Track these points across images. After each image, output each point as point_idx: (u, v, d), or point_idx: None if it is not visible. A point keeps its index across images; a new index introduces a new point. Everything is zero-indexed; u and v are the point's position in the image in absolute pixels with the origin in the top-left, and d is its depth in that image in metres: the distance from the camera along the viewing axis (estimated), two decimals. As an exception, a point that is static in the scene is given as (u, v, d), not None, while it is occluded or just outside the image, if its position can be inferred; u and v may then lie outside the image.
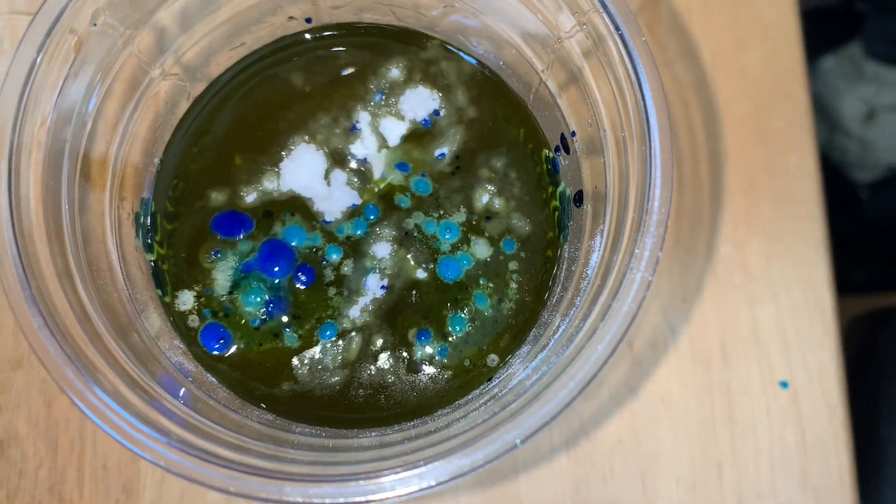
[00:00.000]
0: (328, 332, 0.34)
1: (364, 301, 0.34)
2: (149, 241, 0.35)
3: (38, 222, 0.28)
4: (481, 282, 0.35)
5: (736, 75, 0.42)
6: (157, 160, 0.36)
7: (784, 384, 0.38)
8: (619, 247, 0.28)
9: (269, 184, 0.36)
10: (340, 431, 0.33)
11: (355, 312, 0.34)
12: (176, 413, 0.27)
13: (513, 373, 0.32)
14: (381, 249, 0.35)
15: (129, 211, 0.34)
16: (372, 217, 0.35)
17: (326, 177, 0.36)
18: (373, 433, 0.32)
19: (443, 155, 0.36)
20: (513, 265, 0.35)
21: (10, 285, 0.26)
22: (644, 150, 0.28)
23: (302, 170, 0.36)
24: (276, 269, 0.35)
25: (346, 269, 0.35)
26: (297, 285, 0.34)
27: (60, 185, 0.30)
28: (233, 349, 0.34)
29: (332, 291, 0.35)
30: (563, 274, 0.35)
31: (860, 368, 0.66)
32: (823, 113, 0.84)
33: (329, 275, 0.35)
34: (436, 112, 0.37)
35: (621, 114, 0.29)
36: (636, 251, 0.26)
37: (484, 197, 0.36)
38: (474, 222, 0.35)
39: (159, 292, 0.35)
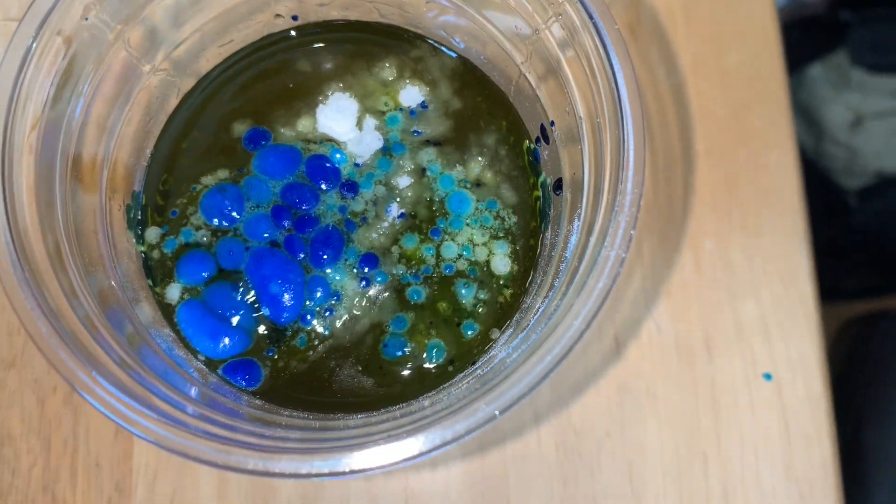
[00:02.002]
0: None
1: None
2: (139, 232, 0.36)
3: (31, 217, 0.29)
4: (468, 273, 0.35)
5: (716, 77, 0.43)
6: (148, 153, 0.37)
7: (767, 376, 0.39)
8: (594, 228, 0.29)
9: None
10: (327, 416, 0.33)
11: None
12: (168, 395, 0.28)
13: (495, 355, 0.32)
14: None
15: (121, 203, 0.35)
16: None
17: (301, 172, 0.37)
18: (359, 417, 0.32)
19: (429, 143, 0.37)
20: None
21: (5, 274, 0.27)
22: (617, 134, 0.28)
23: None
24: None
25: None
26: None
27: (53, 178, 0.30)
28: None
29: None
30: (544, 260, 0.35)
31: (849, 372, 0.67)
32: (810, 121, 0.85)
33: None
34: (423, 105, 0.38)
35: (596, 101, 0.30)
36: (610, 230, 0.27)
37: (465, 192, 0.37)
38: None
39: (150, 283, 0.35)
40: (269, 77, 0.38)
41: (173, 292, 0.35)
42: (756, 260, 0.41)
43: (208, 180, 0.37)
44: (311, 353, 0.34)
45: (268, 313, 0.35)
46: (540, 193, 0.37)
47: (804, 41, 0.84)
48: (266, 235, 0.36)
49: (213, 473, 0.38)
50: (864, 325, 0.71)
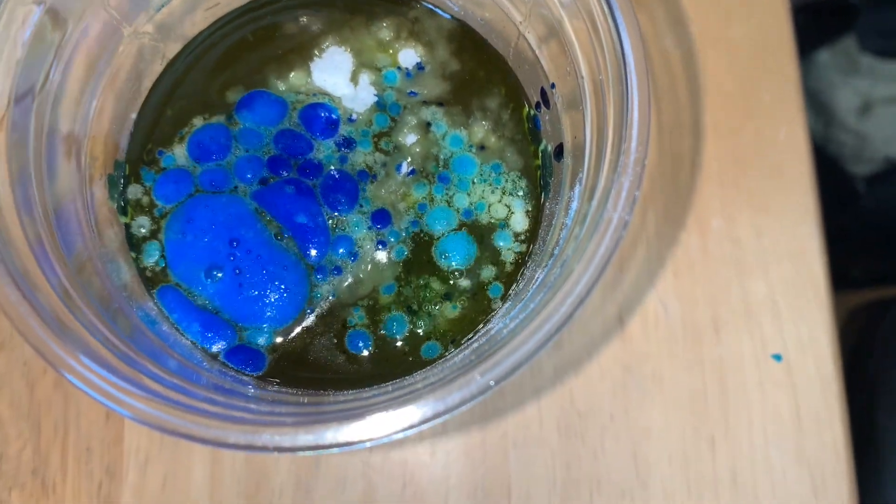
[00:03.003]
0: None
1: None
2: (122, 203, 0.34)
3: (3, 190, 0.27)
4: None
5: (724, 49, 0.42)
6: (131, 120, 0.35)
7: (777, 357, 0.38)
8: (595, 191, 0.27)
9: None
10: (316, 392, 0.32)
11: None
12: (152, 371, 0.27)
13: (492, 327, 0.31)
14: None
15: (102, 173, 0.34)
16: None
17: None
18: (349, 392, 0.31)
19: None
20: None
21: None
22: (621, 91, 0.27)
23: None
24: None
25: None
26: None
27: (26, 148, 0.29)
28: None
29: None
30: (543, 230, 0.34)
31: (859, 359, 0.65)
32: (819, 107, 0.83)
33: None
34: (419, 67, 0.36)
35: (599, 59, 0.29)
36: (613, 191, 0.26)
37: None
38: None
39: (133, 255, 0.34)
40: (259, 39, 0.37)
41: (152, 256, 0.34)
42: (765, 238, 0.40)
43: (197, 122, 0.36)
44: (315, 316, 0.33)
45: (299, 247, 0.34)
46: (540, 162, 0.35)
47: (812, 26, 0.82)
48: (251, 177, 0.35)
49: (206, 457, 0.37)
50: (873, 312, 0.69)
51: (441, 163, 0.35)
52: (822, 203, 0.41)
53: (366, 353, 0.33)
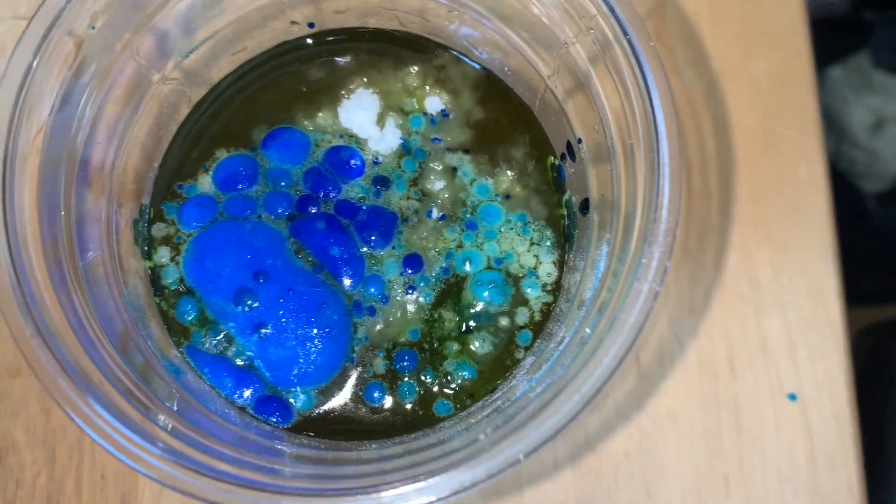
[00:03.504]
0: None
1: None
2: (146, 247, 0.35)
3: (33, 230, 0.28)
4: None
5: (744, 83, 0.42)
6: (156, 166, 0.35)
7: (792, 396, 0.38)
8: (625, 256, 0.27)
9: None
10: (339, 443, 0.32)
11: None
12: (171, 424, 0.27)
13: (516, 385, 0.31)
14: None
15: (128, 217, 0.34)
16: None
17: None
18: (373, 446, 0.31)
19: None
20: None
21: (2, 294, 0.25)
22: (652, 158, 0.27)
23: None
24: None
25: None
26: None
27: (57, 191, 0.29)
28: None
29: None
30: (567, 284, 0.34)
31: (868, 380, 0.65)
32: (831, 123, 0.83)
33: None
34: (444, 114, 0.36)
35: (629, 121, 0.29)
36: (643, 261, 0.26)
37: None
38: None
39: (157, 300, 0.34)
40: (284, 84, 0.37)
41: (183, 307, 0.34)
42: (782, 276, 0.40)
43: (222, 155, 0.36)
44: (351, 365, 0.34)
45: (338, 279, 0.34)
46: (564, 212, 0.35)
47: (825, 42, 0.82)
48: (282, 211, 0.35)
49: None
50: (883, 335, 0.69)
51: (470, 209, 0.35)
52: (834, 219, 0.41)
53: (388, 404, 0.33)
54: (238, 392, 0.33)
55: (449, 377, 0.34)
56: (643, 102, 0.27)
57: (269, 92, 0.37)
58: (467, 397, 0.33)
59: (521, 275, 0.35)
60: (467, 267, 0.35)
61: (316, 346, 0.34)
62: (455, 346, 0.34)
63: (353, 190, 0.35)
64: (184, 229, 0.35)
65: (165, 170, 0.36)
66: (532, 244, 0.35)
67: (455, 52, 0.37)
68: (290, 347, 0.34)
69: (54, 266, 0.28)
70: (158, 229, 0.35)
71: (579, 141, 0.33)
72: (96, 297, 0.29)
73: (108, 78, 0.31)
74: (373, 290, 0.34)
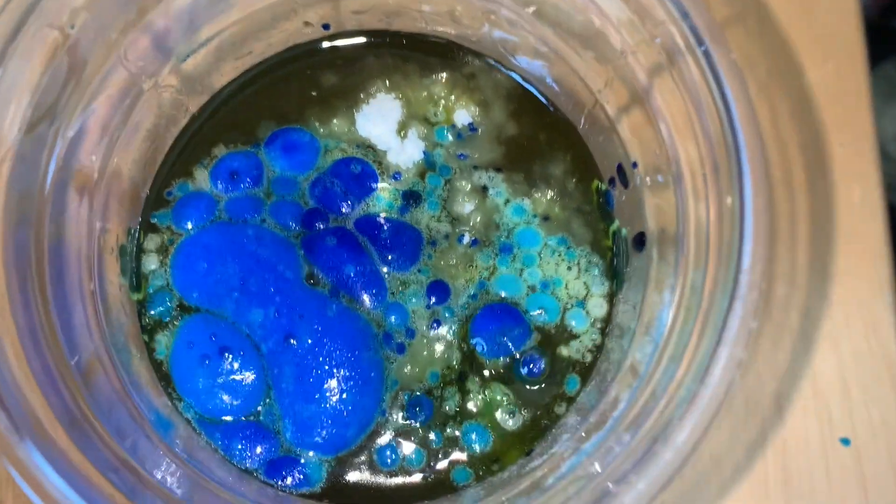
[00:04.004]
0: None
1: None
2: (135, 278, 0.30)
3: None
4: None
5: (794, 95, 0.38)
6: (148, 185, 0.31)
7: (845, 441, 0.35)
8: (695, 310, 0.23)
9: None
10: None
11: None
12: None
13: (559, 452, 0.26)
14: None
15: (114, 244, 0.30)
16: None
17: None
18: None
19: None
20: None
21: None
22: (731, 192, 0.23)
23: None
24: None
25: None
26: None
27: (29, 212, 0.25)
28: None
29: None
30: (619, 331, 0.30)
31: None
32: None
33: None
34: (471, 128, 0.32)
35: (700, 145, 0.24)
36: (728, 321, 0.21)
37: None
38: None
39: (146, 338, 0.30)
40: (294, 89, 0.33)
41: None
42: (835, 309, 0.36)
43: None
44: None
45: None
46: (612, 245, 0.31)
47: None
48: (293, 225, 0.31)
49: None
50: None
51: (504, 233, 0.31)
52: (892, 247, 0.37)
53: (408, 466, 0.29)
54: (246, 452, 0.29)
55: (470, 435, 0.29)
56: (721, 125, 0.23)
57: (277, 97, 0.33)
58: (491, 462, 0.29)
59: (569, 305, 0.30)
60: (503, 294, 0.31)
61: (347, 396, 0.30)
62: (480, 396, 0.30)
63: (375, 204, 0.31)
64: (178, 229, 0.31)
65: (156, 187, 0.31)
66: (580, 271, 0.31)
67: (488, 60, 0.33)
68: (316, 399, 0.30)
69: (21, 305, 0.24)
70: (150, 246, 0.31)
71: (634, 164, 0.29)
72: (69, 338, 0.25)
73: (91, 83, 0.27)
74: (394, 318, 0.30)
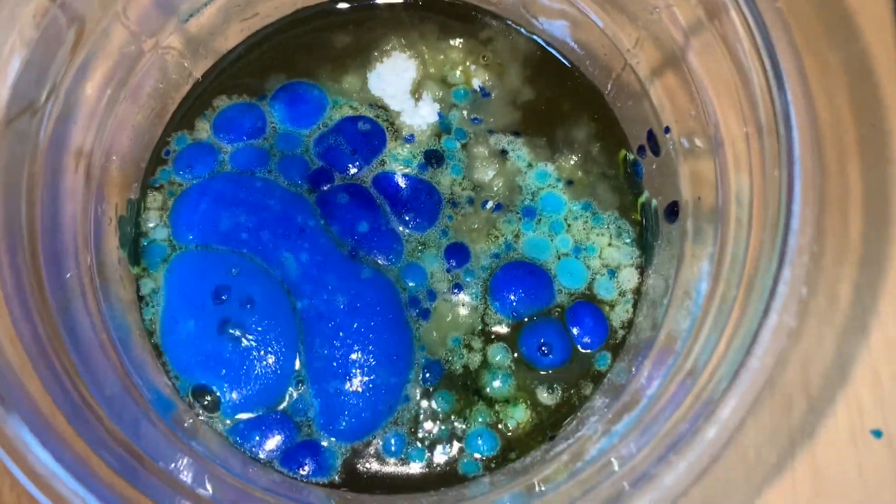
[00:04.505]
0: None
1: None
2: (135, 250, 0.29)
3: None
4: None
5: (822, 75, 0.36)
6: (148, 154, 0.30)
7: (877, 433, 0.33)
8: (737, 279, 0.21)
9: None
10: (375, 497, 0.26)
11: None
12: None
13: (587, 435, 0.25)
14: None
15: (112, 214, 0.28)
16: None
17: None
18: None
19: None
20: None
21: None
22: (779, 152, 0.21)
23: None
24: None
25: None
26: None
27: (19, 181, 0.23)
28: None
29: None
30: (647, 306, 0.28)
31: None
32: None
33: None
34: (484, 93, 0.31)
35: (743, 105, 0.23)
36: (777, 287, 0.20)
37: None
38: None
39: (143, 312, 0.28)
40: (302, 52, 0.31)
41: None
42: (866, 295, 0.35)
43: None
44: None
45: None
46: (641, 218, 0.29)
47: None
48: (300, 182, 0.30)
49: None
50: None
51: (528, 196, 0.30)
52: None
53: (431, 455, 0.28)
54: (260, 440, 0.27)
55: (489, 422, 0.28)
56: (766, 81, 0.22)
57: (285, 56, 0.31)
58: (510, 450, 0.27)
59: (598, 275, 0.29)
60: (531, 257, 0.29)
61: (376, 378, 0.28)
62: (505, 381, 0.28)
63: (392, 162, 0.30)
64: (179, 180, 0.30)
65: (159, 156, 0.30)
66: (612, 237, 0.30)
67: (508, 22, 0.32)
68: (341, 377, 0.28)
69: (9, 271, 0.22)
70: (151, 204, 0.30)
71: (666, 130, 0.27)
72: (64, 311, 0.23)
73: (87, 42, 0.25)
74: (410, 283, 0.29)
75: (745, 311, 0.21)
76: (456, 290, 0.29)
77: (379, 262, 0.29)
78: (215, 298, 0.28)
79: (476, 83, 0.31)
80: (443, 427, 0.27)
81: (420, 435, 0.27)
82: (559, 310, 0.29)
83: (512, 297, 0.29)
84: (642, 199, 0.29)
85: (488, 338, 0.28)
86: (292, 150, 0.30)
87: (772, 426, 0.33)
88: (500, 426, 0.28)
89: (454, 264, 0.29)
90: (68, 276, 0.25)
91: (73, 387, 0.22)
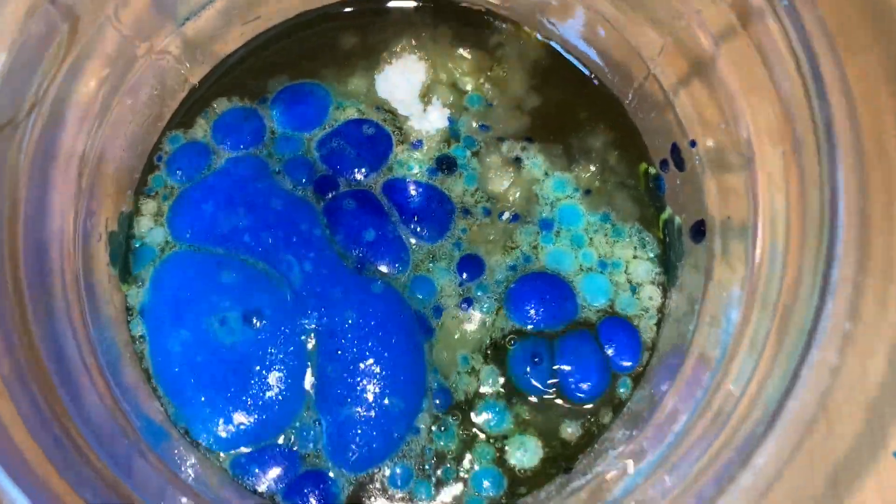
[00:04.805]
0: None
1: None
2: (127, 265, 0.27)
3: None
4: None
5: (864, 83, 0.34)
6: (142, 164, 0.28)
7: None
8: (769, 306, 0.20)
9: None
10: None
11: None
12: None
13: (605, 471, 0.23)
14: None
15: (102, 229, 0.26)
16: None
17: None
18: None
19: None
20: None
21: None
22: (819, 170, 0.19)
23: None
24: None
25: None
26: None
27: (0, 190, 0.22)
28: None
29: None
30: (667, 330, 0.26)
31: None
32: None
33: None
34: (494, 101, 0.29)
35: (778, 118, 0.21)
36: (812, 319, 0.18)
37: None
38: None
39: (132, 334, 0.27)
40: (306, 54, 0.30)
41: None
42: (892, 310, 0.32)
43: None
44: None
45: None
46: (663, 236, 0.27)
47: None
48: (304, 181, 0.28)
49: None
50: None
51: (546, 207, 0.28)
52: None
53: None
54: (261, 473, 0.25)
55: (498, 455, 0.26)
56: (805, 92, 0.20)
57: (288, 59, 0.29)
58: (521, 483, 0.26)
59: (623, 290, 0.27)
60: (552, 269, 0.27)
61: (385, 400, 0.26)
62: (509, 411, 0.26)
63: (401, 168, 0.28)
64: (173, 182, 0.28)
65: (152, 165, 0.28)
66: (636, 249, 0.28)
67: (525, 28, 0.30)
68: (351, 403, 0.26)
69: None
70: (144, 210, 0.28)
71: (692, 143, 0.25)
72: (47, 336, 0.22)
73: (75, 48, 0.23)
74: (419, 295, 0.27)
75: (782, 345, 0.19)
76: (465, 305, 0.27)
77: (386, 272, 0.27)
78: (212, 308, 0.26)
79: (487, 88, 0.30)
80: (450, 460, 0.26)
81: (426, 468, 0.26)
82: (588, 326, 0.27)
83: (531, 311, 0.27)
84: (665, 215, 0.28)
85: (499, 360, 0.26)
86: (294, 153, 0.28)
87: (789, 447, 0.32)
88: (509, 459, 0.26)
89: (466, 277, 0.27)
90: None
91: (54, 416, 0.20)
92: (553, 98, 0.29)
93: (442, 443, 0.26)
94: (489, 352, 0.26)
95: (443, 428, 0.26)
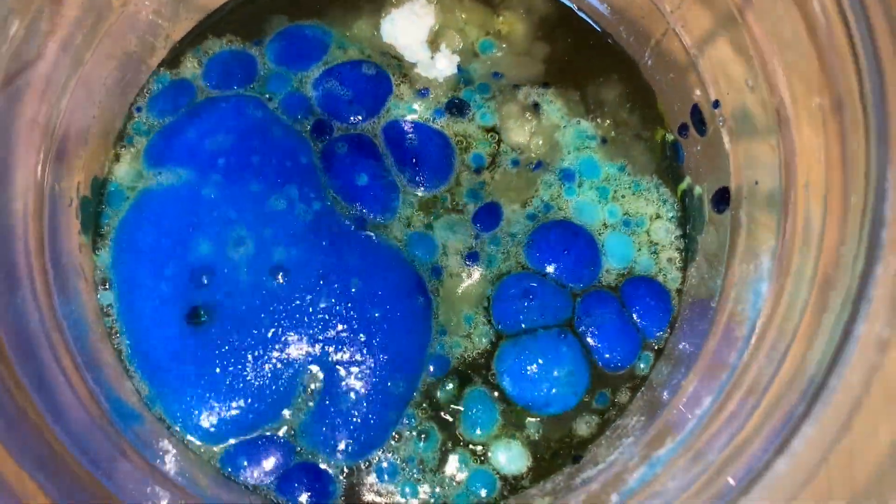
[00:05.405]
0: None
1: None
2: (98, 231, 0.25)
3: None
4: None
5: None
6: (119, 124, 0.26)
7: None
8: (806, 278, 0.18)
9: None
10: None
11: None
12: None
13: (622, 460, 0.21)
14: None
15: (73, 195, 0.24)
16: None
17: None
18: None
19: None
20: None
21: None
22: (865, 128, 0.17)
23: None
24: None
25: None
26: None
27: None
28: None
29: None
30: (687, 310, 0.24)
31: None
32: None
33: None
34: (507, 49, 0.28)
35: (817, 71, 0.19)
36: (857, 288, 0.16)
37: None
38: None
39: (104, 304, 0.25)
40: (306, 2, 0.28)
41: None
42: None
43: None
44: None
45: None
46: (680, 207, 0.25)
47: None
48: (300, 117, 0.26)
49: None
50: None
51: (567, 154, 0.26)
52: None
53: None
54: (247, 463, 0.23)
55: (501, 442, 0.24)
56: (849, 45, 0.18)
57: (282, 21, 0.27)
58: (525, 475, 0.23)
59: (645, 251, 0.25)
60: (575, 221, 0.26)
61: (380, 388, 0.24)
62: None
63: (402, 111, 0.27)
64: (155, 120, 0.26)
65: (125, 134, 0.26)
66: (659, 206, 0.26)
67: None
68: (347, 382, 0.24)
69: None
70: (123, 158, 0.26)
71: (715, 104, 0.23)
72: (13, 312, 0.20)
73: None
74: (418, 253, 0.25)
75: (821, 319, 0.17)
76: (470, 261, 0.25)
77: (391, 231, 0.25)
78: (193, 271, 0.24)
79: (499, 40, 0.28)
80: (450, 447, 0.24)
81: (423, 452, 0.24)
82: (612, 290, 0.25)
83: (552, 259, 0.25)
84: (683, 185, 0.26)
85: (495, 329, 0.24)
86: (287, 90, 0.27)
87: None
88: (511, 449, 0.24)
89: (480, 227, 0.26)
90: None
91: (6, 392, 0.18)
92: (572, 62, 0.27)
93: (439, 430, 0.24)
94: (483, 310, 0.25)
95: (441, 414, 0.24)
